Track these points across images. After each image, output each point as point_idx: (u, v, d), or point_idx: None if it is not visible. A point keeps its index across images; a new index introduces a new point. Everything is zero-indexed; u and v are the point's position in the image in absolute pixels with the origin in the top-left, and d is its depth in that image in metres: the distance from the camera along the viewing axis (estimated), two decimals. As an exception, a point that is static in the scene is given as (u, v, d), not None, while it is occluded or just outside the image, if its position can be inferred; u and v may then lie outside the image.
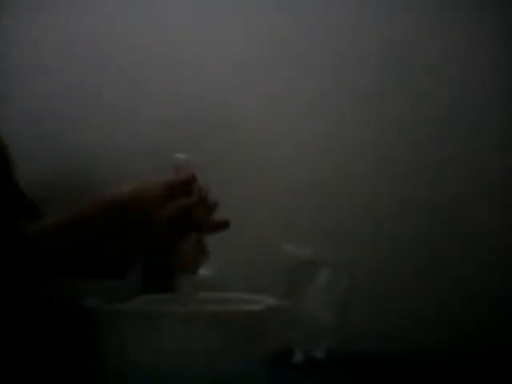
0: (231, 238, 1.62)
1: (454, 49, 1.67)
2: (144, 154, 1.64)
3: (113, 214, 0.92)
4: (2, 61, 1.64)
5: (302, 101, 1.67)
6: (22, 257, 0.89)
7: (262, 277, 1.55)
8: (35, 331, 1.02)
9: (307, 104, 1.67)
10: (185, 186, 0.98)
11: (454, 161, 1.67)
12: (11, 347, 0.99)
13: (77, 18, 1.66)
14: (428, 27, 1.67)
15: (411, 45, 1.67)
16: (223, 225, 1.03)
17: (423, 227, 1.65)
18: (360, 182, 1.66)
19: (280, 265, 1.50)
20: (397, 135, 1.67)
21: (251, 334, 0.92)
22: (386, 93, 1.67)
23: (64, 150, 1.64)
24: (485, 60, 1.67)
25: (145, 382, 0.88)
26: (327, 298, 1.49)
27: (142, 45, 1.66)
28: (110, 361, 0.90)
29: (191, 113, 1.64)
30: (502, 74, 1.67)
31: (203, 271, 1.58)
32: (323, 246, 1.54)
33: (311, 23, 1.67)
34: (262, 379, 0.93)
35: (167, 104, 1.65)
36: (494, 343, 1.57)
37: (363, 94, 1.67)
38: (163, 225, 0.92)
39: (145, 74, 1.66)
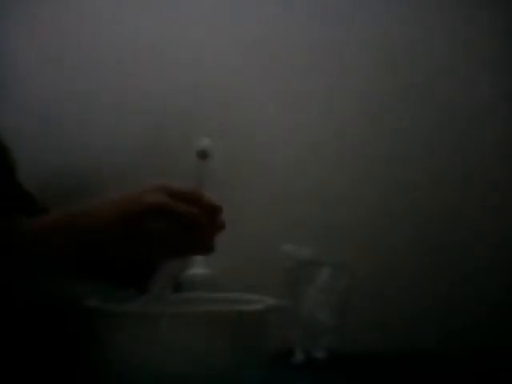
0: (231, 238, 1.63)
1: (454, 49, 1.67)
2: (144, 153, 1.64)
3: (104, 217, 0.90)
4: (1, 60, 1.64)
5: (302, 102, 1.67)
6: (18, 251, 0.89)
7: (262, 277, 1.55)
8: (36, 331, 1.02)
9: (307, 104, 1.67)
10: (192, 197, 0.93)
11: (454, 161, 1.67)
12: (12, 347, 0.99)
13: (78, 18, 1.66)
14: (428, 27, 1.67)
15: (411, 45, 1.67)
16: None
17: (423, 227, 1.65)
18: (360, 183, 1.66)
19: (280, 265, 1.50)
20: (397, 136, 1.67)
21: (251, 333, 0.92)
22: (386, 93, 1.67)
23: (64, 150, 1.64)
24: (484, 60, 1.67)
25: (145, 381, 0.88)
26: (327, 298, 1.49)
27: (142, 45, 1.66)
28: (111, 361, 0.90)
29: (191, 113, 1.64)
30: (502, 73, 1.67)
31: (203, 271, 1.58)
32: (323, 245, 1.54)
33: (311, 23, 1.67)
34: (261, 379, 0.93)
35: (168, 104, 1.65)
36: (494, 343, 1.57)
37: (363, 94, 1.67)
38: (160, 230, 0.89)
39: (145, 74, 1.66)
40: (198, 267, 1.58)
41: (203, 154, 1.00)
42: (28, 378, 1.00)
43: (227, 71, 1.66)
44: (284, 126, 1.67)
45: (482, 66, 1.67)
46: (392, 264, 1.64)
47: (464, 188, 1.66)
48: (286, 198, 1.65)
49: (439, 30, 1.67)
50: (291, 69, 1.67)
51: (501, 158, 1.66)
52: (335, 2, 1.67)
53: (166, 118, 1.64)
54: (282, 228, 1.63)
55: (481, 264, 1.64)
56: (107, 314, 0.92)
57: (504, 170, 1.66)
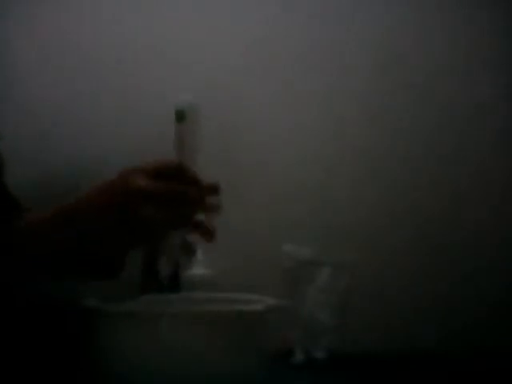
0: (231, 238, 1.63)
1: (454, 49, 1.67)
2: (144, 154, 1.64)
3: (95, 206, 0.90)
4: (1, 60, 1.64)
5: (302, 102, 1.67)
6: (11, 252, 0.89)
7: (262, 277, 1.55)
8: (36, 331, 1.02)
9: (307, 105, 1.67)
10: (173, 171, 0.93)
11: (454, 161, 1.67)
12: (12, 347, 0.99)
13: (78, 18, 1.66)
14: (428, 27, 1.67)
15: (411, 44, 1.67)
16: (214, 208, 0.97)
17: (423, 227, 1.65)
18: (360, 183, 1.66)
19: (280, 265, 1.50)
20: (397, 136, 1.67)
21: (251, 333, 0.92)
22: (386, 93, 1.67)
23: (64, 150, 1.64)
24: (484, 60, 1.67)
25: (145, 382, 0.88)
26: (327, 298, 1.49)
27: (142, 45, 1.66)
28: (110, 361, 0.90)
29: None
30: (502, 73, 1.67)
31: (203, 271, 1.58)
32: (323, 245, 1.54)
33: (311, 23, 1.67)
34: (262, 379, 0.93)
35: (167, 104, 1.65)
36: (494, 343, 1.57)
37: (362, 94, 1.67)
38: (150, 215, 0.89)
39: (145, 75, 1.66)
40: (198, 267, 1.58)
41: (181, 115, 0.94)
42: (28, 377, 1.00)
43: (227, 71, 1.66)
44: (284, 125, 1.67)
45: (481, 66, 1.67)
46: (392, 264, 1.64)
47: (464, 188, 1.66)
48: (285, 198, 1.65)
49: (439, 30, 1.67)
50: (291, 69, 1.67)
51: (501, 158, 1.66)
52: (335, 2, 1.67)
53: (165, 118, 1.64)
54: (282, 228, 1.63)
55: (481, 264, 1.64)
56: (107, 314, 0.92)
57: (504, 170, 1.66)
